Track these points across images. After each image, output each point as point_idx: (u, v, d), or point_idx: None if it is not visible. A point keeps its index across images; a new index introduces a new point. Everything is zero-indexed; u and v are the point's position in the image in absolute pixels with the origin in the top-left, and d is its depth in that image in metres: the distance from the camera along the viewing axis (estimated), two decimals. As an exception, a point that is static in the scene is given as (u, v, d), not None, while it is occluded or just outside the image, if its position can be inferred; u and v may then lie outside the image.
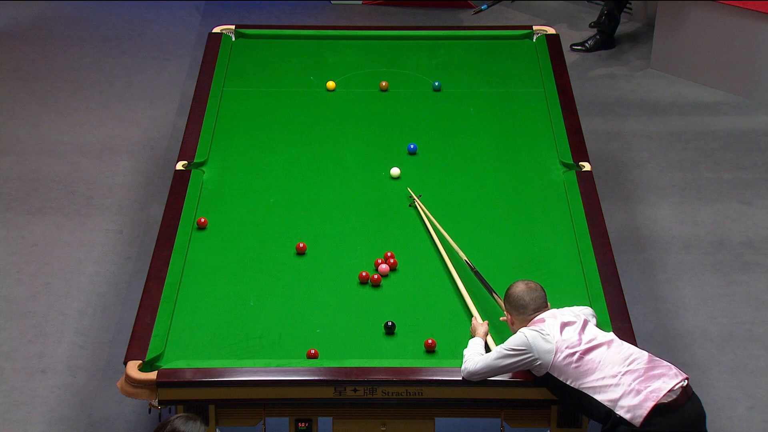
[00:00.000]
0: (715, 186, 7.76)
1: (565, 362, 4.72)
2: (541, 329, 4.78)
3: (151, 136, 8.21)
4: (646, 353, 4.80)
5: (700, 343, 6.45)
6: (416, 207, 5.87)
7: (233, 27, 7.43)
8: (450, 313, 5.26)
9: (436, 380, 4.86)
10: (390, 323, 5.14)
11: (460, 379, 4.84)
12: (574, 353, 4.73)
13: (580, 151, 6.27)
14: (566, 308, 4.95)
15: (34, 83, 8.86)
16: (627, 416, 4.63)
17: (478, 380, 4.83)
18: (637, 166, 7.95)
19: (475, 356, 4.85)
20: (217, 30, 7.42)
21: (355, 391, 4.85)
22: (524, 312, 4.89)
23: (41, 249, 7.10)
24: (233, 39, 7.35)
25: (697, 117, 8.56)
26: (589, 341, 4.77)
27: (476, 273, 5.38)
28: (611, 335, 4.86)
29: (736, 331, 6.52)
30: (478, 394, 4.86)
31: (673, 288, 6.84)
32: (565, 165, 6.18)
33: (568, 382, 4.73)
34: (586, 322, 4.86)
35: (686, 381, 4.72)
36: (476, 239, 5.69)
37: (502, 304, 5.10)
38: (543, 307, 4.90)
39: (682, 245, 7.19)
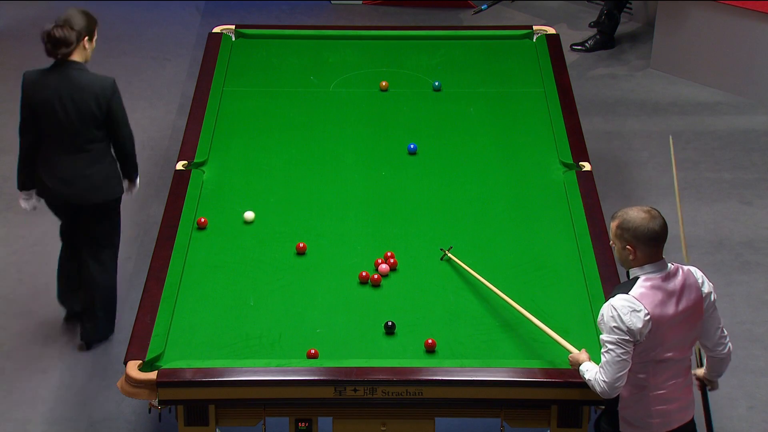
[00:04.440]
0: (715, 186, 7.75)
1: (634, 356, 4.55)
2: (641, 312, 4.46)
3: (151, 136, 8.20)
4: (691, 375, 4.68)
5: (700, 343, 6.45)
6: (448, 259, 5.58)
7: (233, 27, 7.43)
8: (450, 313, 5.25)
9: (436, 380, 4.85)
10: (390, 323, 5.14)
11: (460, 379, 4.83)
12: (647, 352, 4.52)
13: (580, 151, 6.27)
14: (696, 275, 4.60)
15: (34, 83, 8.84)
16: (627, 416, 4.63)
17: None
18: (637, 166, 7.95)
19: (597, 373, 4.57)
20: (217, 30, 7.42)
21: (355, 391, 4.84)
22: (656, 245, 4.46)
23: (41, 249, 7.09)
24: (233, 39, 7.35)
25: (697, 117, 8.56)
26: (670, 348, 4.52)
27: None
28: (691, 351, 4.62)
29: (736, 331, 6.52)
30: (478, 394, 4.86)
31: (673, 288, 6.83)
32: (565, 165, 6.17)
33: None
34: (686, 309, 4.53)
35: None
36: (476, 239, 5.69)
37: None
38: (665, 237, 4.50)
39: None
